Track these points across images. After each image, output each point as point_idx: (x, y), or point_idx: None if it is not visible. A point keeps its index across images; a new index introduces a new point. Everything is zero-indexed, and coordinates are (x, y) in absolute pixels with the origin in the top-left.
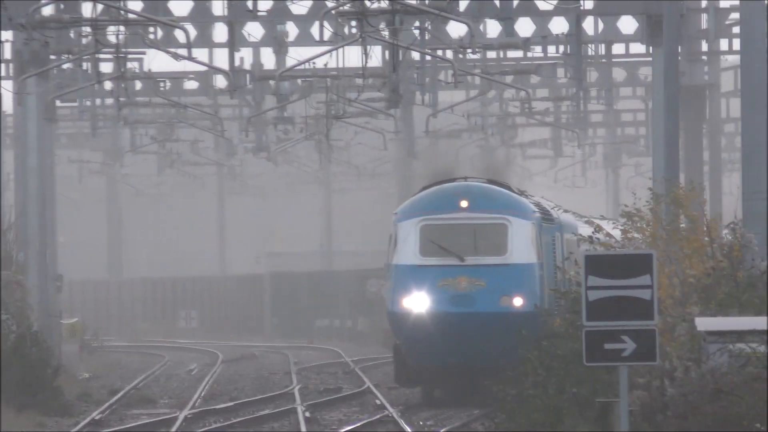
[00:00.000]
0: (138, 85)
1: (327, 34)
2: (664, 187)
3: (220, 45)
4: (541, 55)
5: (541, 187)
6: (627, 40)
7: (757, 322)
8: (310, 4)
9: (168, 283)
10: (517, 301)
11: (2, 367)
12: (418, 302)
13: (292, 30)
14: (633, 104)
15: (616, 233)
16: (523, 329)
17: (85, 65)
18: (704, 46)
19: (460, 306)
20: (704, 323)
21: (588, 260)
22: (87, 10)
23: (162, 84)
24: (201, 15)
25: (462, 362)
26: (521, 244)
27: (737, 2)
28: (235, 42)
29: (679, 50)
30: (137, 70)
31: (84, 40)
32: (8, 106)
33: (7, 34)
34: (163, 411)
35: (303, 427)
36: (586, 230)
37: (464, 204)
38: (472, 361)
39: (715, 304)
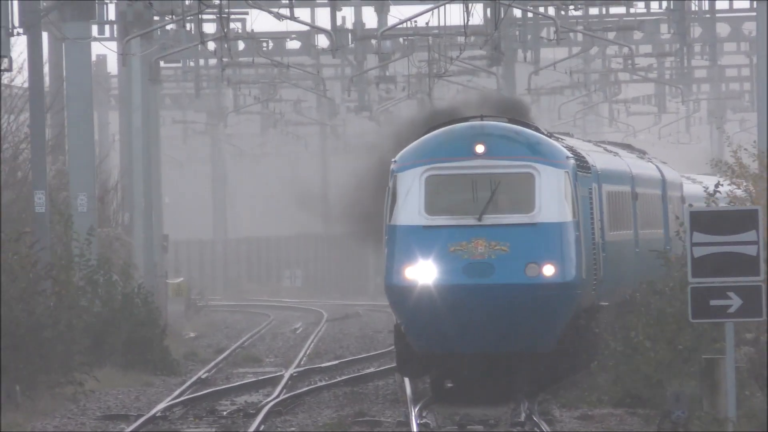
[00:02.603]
0: (241, 45)
1: None
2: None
3: (322, 4)
4: (644, 10)
5: (644, 144)
6: None
7: None
8: None
9: (272, 243)
10: (548, 270)
11: (111, 326)
12: (423, 273)
13: None
14: (737, 59)
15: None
16: (554, 305)
17: (188, 26)
18: None
19: (476, 276)
20: None
21: (692, 216)
22: None
23: (264, 44)
24: None
25: (479, 348)
26: (552, 199)
27: None
28: (337, 1)
29: None
30: (240, 31)
31: (187, 1)
32: (113, 67)
33: None
34: (269, 369)
35: (408, 386)
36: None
37: (480, 149)
38: (491, 347)
39: None
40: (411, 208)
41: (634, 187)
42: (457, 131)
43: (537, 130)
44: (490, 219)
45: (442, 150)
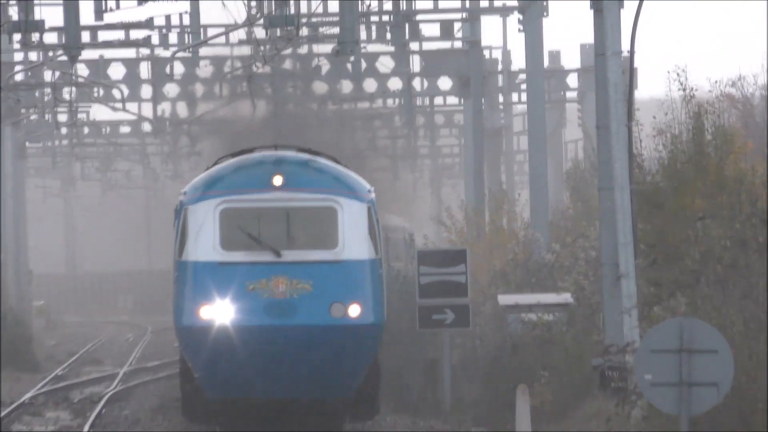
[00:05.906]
0: (86, 129)
1: (225, 90)
2: (476, 201)
3: (146, 100)
4: (382, 105)
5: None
6: (445, 94)
7: (542, 298)
8: (211, 70)
9: (110, 276)
10: (354, 310)
11: None
12: (220, 312)
13: (199, 88)
14: (450, 141)
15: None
16: (361, 347)
17: (47, 116)
18: (501, 99)
19: (277, 317)
20: (504, 299)
21: (420, 254)
22: (48, 75)
23: (104, 129)
24: (132, 78)
25: (279, 392)
26: (356, 235)
27: (524, 66)
28: (157, 98)
29: (483, 101)
30: (85, 119)
31: (46, 98)
32: None
33: None
34: (108, 368)
35: None
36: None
37: (278, 180)
38: (292, 391)
39: (514, 286)
40: (205, 243)
41: None
42: (252, 161)
43: (335, 161)
44: (291, 255)
45: (238, 181)
